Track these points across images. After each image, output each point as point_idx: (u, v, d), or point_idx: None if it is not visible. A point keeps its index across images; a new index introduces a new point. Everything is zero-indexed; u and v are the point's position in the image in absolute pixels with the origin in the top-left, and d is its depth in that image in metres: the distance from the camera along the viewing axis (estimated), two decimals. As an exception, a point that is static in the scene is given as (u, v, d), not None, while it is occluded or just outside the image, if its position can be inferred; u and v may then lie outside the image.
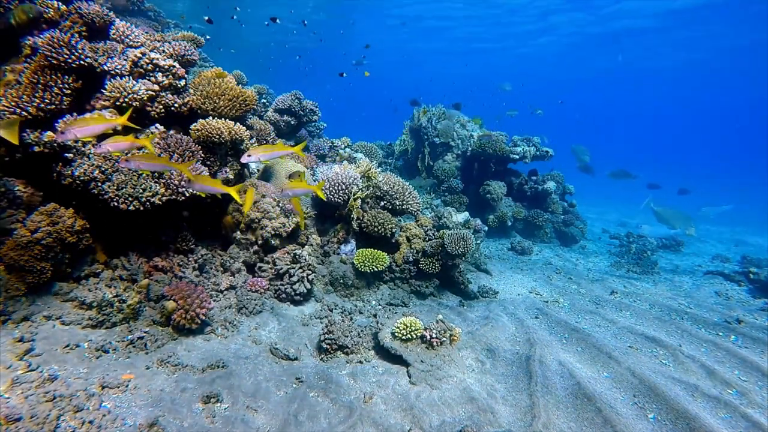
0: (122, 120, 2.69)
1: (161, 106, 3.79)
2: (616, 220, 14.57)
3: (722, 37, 20.95)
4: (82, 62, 3.37)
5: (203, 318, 3.26)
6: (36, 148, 3.18)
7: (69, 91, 3.32)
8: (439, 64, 33.33)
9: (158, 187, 3.34)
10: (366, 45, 10.04)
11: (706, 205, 11.13)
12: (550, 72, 33.42)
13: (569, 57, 27.41)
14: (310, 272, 4.17)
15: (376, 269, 4.50)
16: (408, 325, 3.44)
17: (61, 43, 3.29)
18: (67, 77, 3.32)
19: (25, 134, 3.20)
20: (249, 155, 3.00)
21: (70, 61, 3.31)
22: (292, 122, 6.52)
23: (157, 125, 3.73)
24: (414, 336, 3.43)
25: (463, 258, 4.99)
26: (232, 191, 2.75)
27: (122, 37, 3.91)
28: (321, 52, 25.92)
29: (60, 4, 3.72)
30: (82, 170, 3.15)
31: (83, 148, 3.25)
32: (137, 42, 3.98)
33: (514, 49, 26.39)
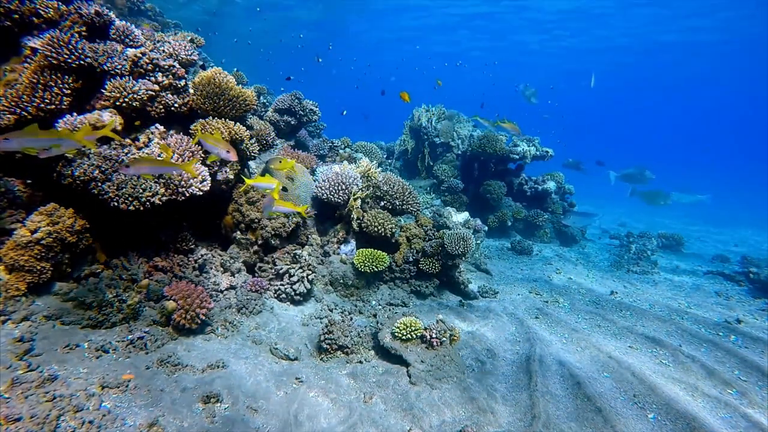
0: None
1: (161, 106, 3.79)
2: (616, 220, 14.57)
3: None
4: (82, 62, 3.37)
5: (203, 318, 3.26)
6: (36, 148, 3.18)
7: (69, 91, 3.32)
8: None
9: (158, 187, 3.34)
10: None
11: (677, 191, 11.09)
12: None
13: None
14: (310, 272, 4.17)
15: (376, 269, 4.50)
16: (408, 325, 3.44)
17: (61, 43, 3.29)
18: (67, 77, 3.32)
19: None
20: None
21: (70, 61, 3.31)
22: (292, 122, 6.53)
23: (157, 125, 3.73)
24: (414, 336, 3.43)
25: (463, 258, 4.99)
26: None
27: (122, 37, 3.90)
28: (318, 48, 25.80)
29: (60, 4, 3.71)
30: (82, 170, 3.15)
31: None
32: (137, 42, 3.98)
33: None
